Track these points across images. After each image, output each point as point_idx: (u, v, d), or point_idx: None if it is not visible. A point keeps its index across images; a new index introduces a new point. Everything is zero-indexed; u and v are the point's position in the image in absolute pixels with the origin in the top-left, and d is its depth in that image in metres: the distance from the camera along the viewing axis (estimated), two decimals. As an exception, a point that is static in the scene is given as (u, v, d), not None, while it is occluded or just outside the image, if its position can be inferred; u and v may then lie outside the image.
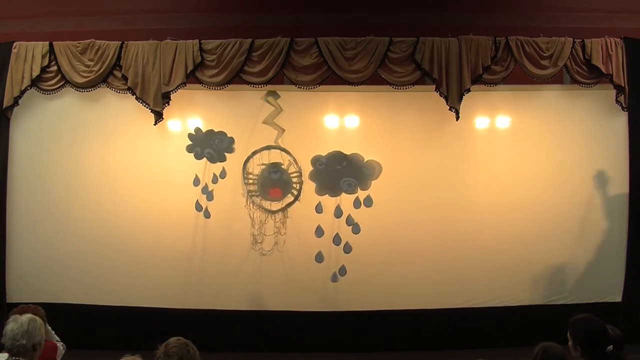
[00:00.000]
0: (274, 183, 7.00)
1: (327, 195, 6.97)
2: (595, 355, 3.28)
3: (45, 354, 3.85)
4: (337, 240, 6.92)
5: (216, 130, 7.01)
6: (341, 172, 6.98)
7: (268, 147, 6.99)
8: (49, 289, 6.75)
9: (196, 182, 6.97)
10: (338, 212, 6.95)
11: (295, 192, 6.98)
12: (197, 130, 7.01)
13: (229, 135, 7.01)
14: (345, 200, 6.97)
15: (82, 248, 6.89)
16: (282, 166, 6.99)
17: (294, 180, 7.01)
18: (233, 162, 7.01)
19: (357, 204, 6.96)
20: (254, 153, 6.98)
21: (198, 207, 6.94)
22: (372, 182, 6.97)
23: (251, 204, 6.95)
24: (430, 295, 6.86)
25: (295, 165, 6.99)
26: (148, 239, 6.91)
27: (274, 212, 6.94)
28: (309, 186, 6.98)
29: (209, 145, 7.00)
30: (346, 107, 7.04)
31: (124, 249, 6.91)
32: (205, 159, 6.99)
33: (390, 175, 6.98)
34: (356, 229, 6.93)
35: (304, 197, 6.97)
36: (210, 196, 6.96)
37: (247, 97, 7.02)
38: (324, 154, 6.98)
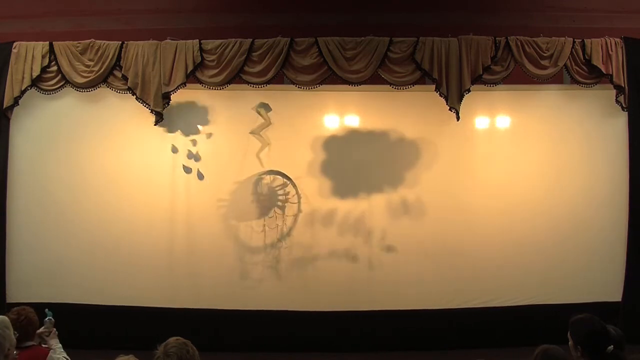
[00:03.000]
0: (261, 198, 7.00)
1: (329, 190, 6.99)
2: (596, 356, 3.27)
3: None
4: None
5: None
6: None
7: (270, 172, 7.00)
8: (48, 289, 6.74)
9: (174, 150, 6.95)
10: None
11: (280, 204, 6.99)
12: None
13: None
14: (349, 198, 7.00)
15: (81, 248, 6.89)
16: (264, 182, 6.99)
17: (279, 192, 7.00)
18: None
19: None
20: (260, 175, 6.99)
21: (187, 170, 6.92)
22: (373, 181, 6.98)
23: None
24: (431, 295, 6.86)
25: (292, 187, 7.00)
26: (148, 239, 6.91)
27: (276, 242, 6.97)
28: (311, 186, 6.99)
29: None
30: (346, 107, 7.04)
31: (124, 249, 6.90)
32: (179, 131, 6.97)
33: (391, 175, 6.98)
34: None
35: (307, 192, 6.99)
36: (197, 157, 6.93)
37: (247, 98, 7.01)
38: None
